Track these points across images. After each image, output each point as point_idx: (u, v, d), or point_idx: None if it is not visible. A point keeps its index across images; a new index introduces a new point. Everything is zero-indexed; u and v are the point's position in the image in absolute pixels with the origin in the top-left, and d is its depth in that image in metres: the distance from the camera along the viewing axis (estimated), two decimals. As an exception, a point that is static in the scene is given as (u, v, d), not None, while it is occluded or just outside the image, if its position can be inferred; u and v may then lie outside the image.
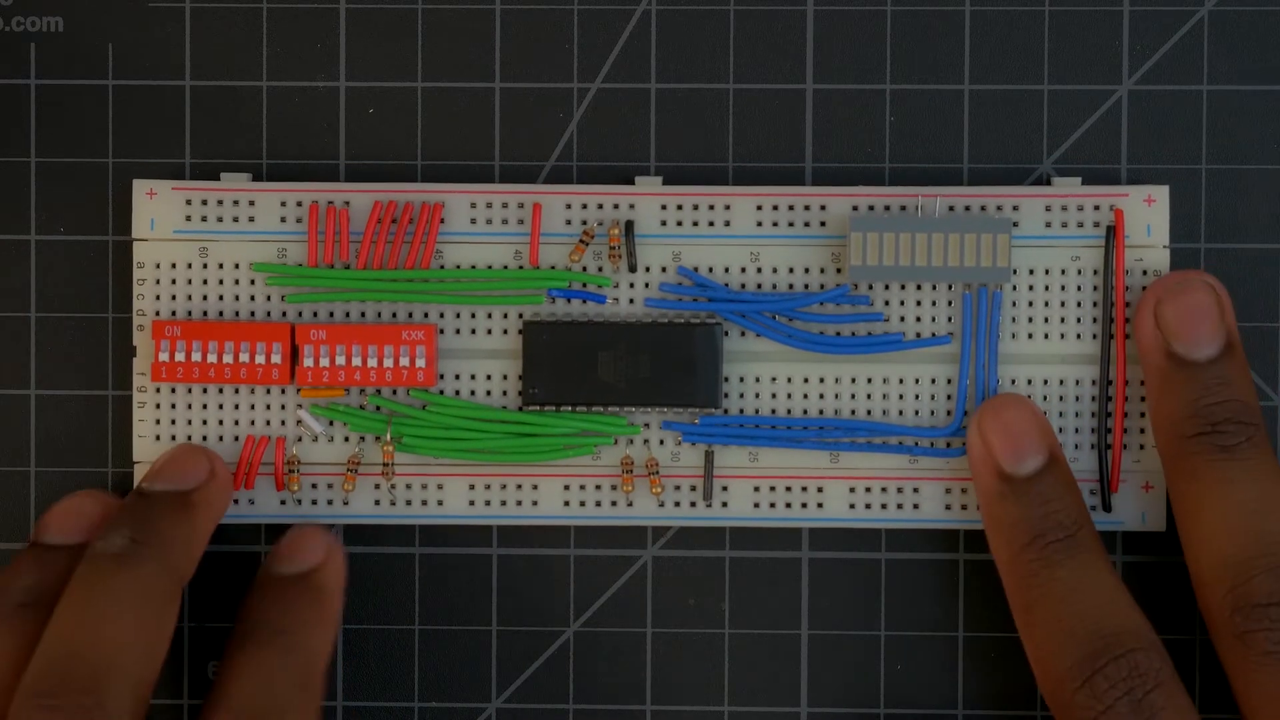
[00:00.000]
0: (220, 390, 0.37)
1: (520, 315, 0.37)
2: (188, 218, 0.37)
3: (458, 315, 0.37)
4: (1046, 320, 0.37)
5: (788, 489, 0.37)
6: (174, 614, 0.34)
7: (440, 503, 0.37)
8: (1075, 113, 0.38)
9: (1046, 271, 0.37)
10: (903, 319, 0.37)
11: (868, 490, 0.37)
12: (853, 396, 0.37)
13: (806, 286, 0.37)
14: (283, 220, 0.37)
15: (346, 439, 0.37)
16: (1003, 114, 0.38)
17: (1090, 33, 0.38)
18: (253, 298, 0.37)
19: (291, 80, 0.38)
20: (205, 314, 0.37)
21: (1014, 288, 0.37)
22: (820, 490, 0.37)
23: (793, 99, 0.38)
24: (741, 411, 0.37)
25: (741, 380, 0.37)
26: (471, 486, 0.37)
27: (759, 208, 0.37)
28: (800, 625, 0.38)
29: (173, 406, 0.37)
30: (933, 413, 0.37)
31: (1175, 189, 0.37)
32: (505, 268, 0.37)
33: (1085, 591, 0.34)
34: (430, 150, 0.38)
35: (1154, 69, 0.38)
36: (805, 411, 0.37)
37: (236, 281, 0.37)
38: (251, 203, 0.37)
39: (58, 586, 0.34)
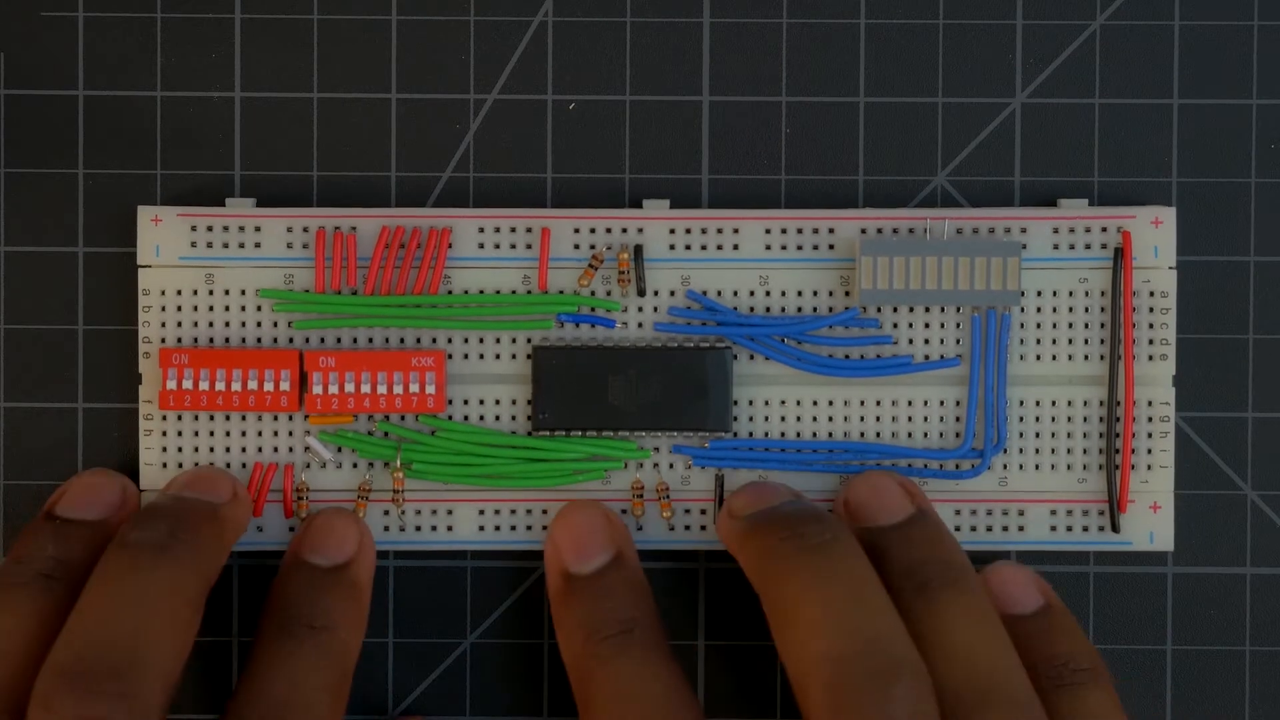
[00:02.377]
0: (228, 417, 0.37)
1: (529, 340, 0.37)
2: (193, 244, 0.37)
3: (466, 340, 0.37)
4: (1055, 342, 0.37)
5: (798, 512, 0.37)
6: (199, 619, 0.34)
7: (450, 528, 0.37)
8: (969, 126, 0.38)
9: (1054, 293, 0.37)
10: (911, 341, 0.37)
11: (878, 512, 0.37)
12: (862, 419, 0.37)
13: (815, 310, 0.37)
14: (289, 246, 0.37)
15: (355, 465, 0.37)
16: (898, 127, 0.38)
17: (984, 47, 0.38)
18: (259, 324, 0.37)
19: (187, 91, 0.38)
20: (211, 340, 0.37)
21: (1022, 309, 0.37)
22: (830, 512, 0.37)
23: (690, 110, 0.38)
24: (751, 435, 0.37)
25: (751, 404, 0.37)
26: (481, 512, 0.37)
27: (767, 231, 0.37)
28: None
29: (179, 434, 0.37)
30: (942, 435, 0.37)
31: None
32: (514, 292, 0.37)
33: (642, 691, 0.34)
34: (326, 163, 0.38)
35: (1047, 82, 0.38)
36: (815, 434, 0.37)
37: (243, 308, 0.37)
38: (257, 229, 0.37)
39: (79, 561, 0.34)
